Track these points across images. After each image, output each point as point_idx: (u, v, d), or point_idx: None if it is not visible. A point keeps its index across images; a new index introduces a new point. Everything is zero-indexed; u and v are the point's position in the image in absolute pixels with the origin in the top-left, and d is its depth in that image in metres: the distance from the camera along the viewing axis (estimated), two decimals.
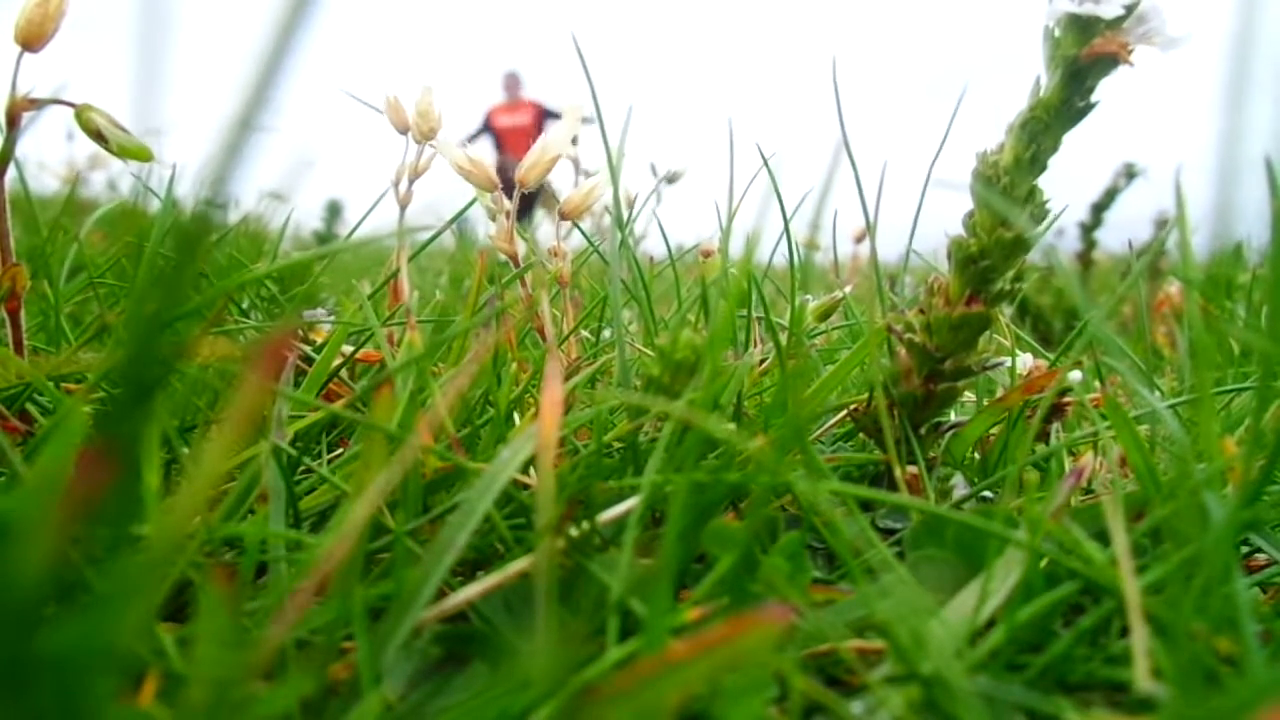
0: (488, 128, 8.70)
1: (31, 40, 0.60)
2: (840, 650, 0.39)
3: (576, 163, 1.65)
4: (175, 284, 0.22)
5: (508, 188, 0.74)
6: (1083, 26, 0.55)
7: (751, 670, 0.34)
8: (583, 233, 0.89)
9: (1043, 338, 2.46)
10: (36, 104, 0.61)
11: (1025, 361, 0.75)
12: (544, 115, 8.71)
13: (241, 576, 0.40)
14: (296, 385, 0.65)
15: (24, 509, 0.24)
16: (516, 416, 0.64)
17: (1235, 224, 0.34)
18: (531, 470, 0.49)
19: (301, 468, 0.53)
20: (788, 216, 0.79)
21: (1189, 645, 0.35)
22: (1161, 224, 2.87)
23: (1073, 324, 2.21)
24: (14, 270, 0.63)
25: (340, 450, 0.62)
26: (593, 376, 0.71)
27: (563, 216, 0.76)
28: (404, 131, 0.78)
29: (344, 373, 0.71)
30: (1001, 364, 0.67)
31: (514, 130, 8.51)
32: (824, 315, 0.91)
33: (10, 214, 0.63)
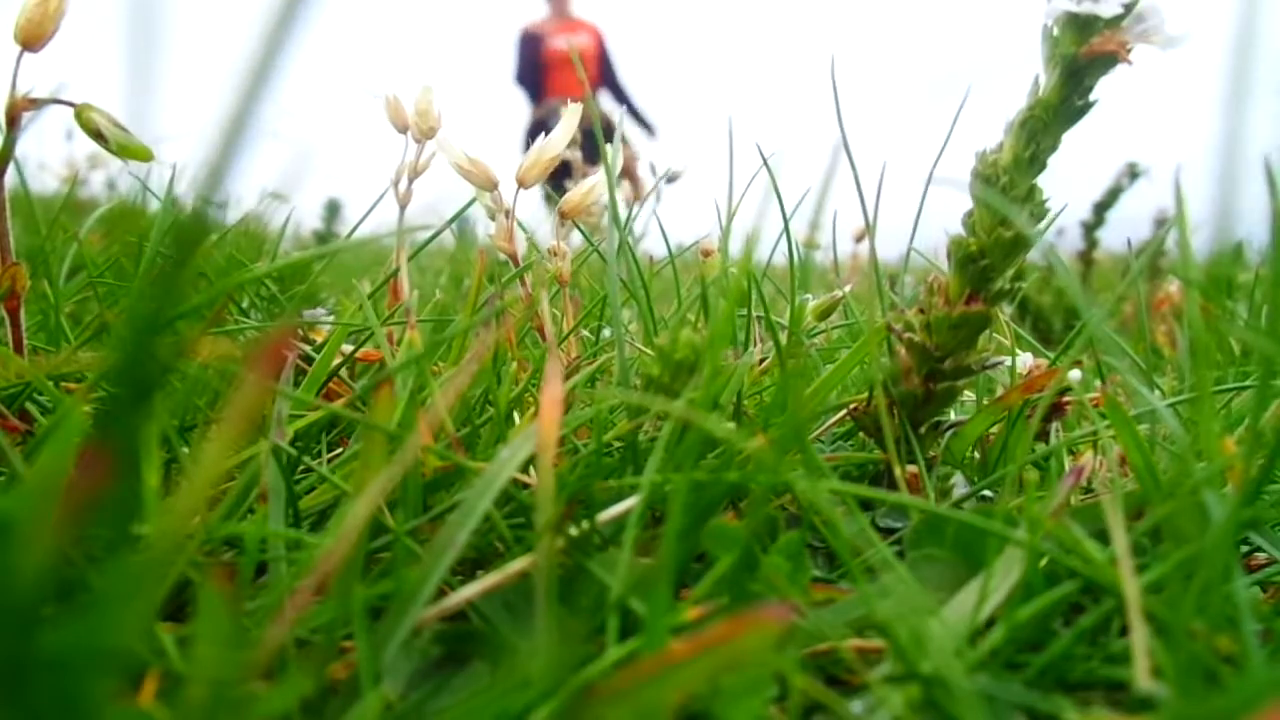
0: (533, 55, 6.23)
1: (31, 40, 0.60)
2: (840, 649, 0.39)
3: (575, 164, 1.65)
4: (173, 283, 0.22)
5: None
6: (1081, 25, 0.55)
7: (751, 669, 0.34)
8: (582, 232, 0.89)
9: (1043, 337, 2.46)
10: (36, 104, 0.61)
11: (1025, 361, 0.75)
12: (604, 46, 6.47)
13: (241, 576, 0.40)
14: (296, 385, 0.65)
15: (24, 509, 0.24)
16: (516, 416, 0.64)
17: (1236, 224, 0.34)
18: (531, 469, 0.49)
19: (301, 467, 0.53)
20: (787, 216, 0.79)
21: (1189, 644, 0.35)
22: (1161, 223, 2.87)
23: (1073, 323, 2.21)
24: (14, 270, 0.63)
25: (340, 450, 0.62)
26: (592, 376, 0.71)
27: (562, 216, 0.76)
28: (404, 130, 0.78)
29: (344, 372, 0.71)
30: (1001, 363, 0.67)
31: (569, 56, 6.06)
32: (824, 314, 0.91)
33: (10, 214, 0.63)
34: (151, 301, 0.22)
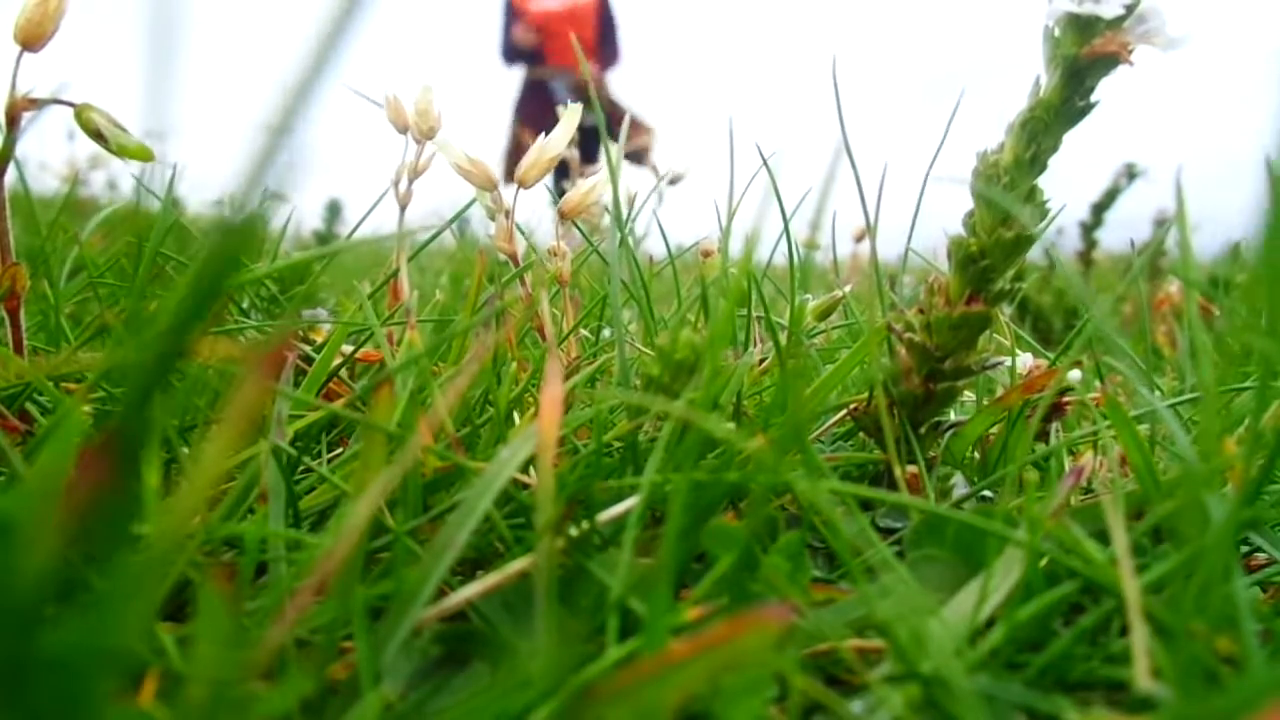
0: (517, 19, 5.53)
1: (31, 40, 0.60)
2: (840, 649, 0.39)
3: (574, 163, 1.65)
4: (209, 292, 0.22)
5: (545, 113, 0.71)
6: (1083, 26, 0.55)
7: (751, 670, 0.34)
8: (582, 232, 0.89)
9: (1043, 337, 2.46)
10: (36, 104, 0.61)
11: (1025, 361, 0.75)
12: (606, 9, 5.77)
13: (241, 576, 0.40)
14: (296, 385, 0.65)
15: (24, 509, 0.24)
16: (516, 416, 0.64)
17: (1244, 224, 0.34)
18: (531, 470, 0.49)
19: (301, 467, 0.53)
20: (787, 216, 0.79)
21: (1189, 644, 0.35)
22: (1161, 223, 2.87)
23: (1072, 323, 2.21)
24: (14, 270, 0.63)
25: (340, 450, 0.62)
26: (592, 376, 0.71)
27: (562, 216, 0.76)
28: (404, 131, 0.78)
29: (344, 372, 0.71)
30: (1001, 363, 0.67)
31: (563, 18, 5.40)
32: (824, 314, 0.91)
33: (10, 214, 0.63)
34: (185, 309, 0.22)
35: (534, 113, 5.29)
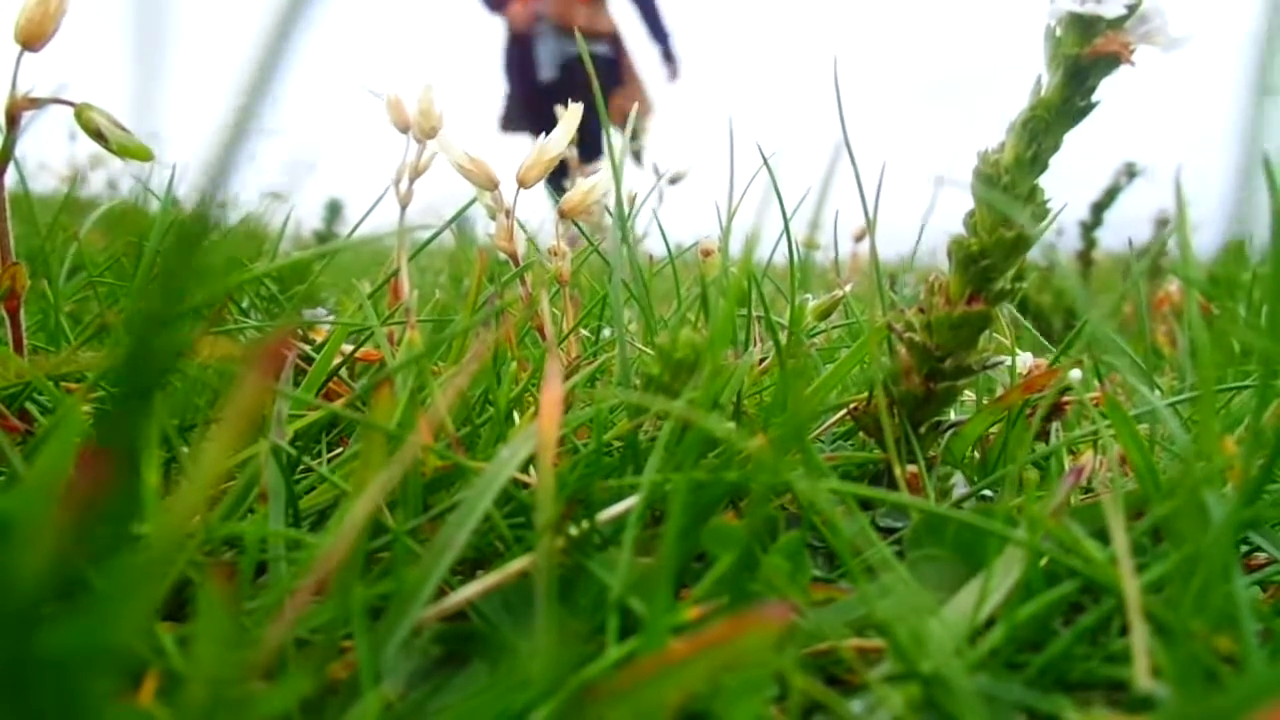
0: None
1: (32, 39, 0.60)
2: (840, 649, 0.39)
3: (573, 162, 1.65)
4: (176, 283, 0.22)
5: (529, 70, 0.68)
6: (1084, 26, 0.55)
7: (751, 670, 0.34)
8: (582, 232, 0.89)
9: (1043, 336, 2.45)
10: (36, 103, 0.61)
11: (1025, 360, 0.75)
12: None
13: (241, 576, 0.40)
14: (296, 384, 0.65)
15: (24, 509, 0.24)
16: (516, 415, 0.64)
17: (1250, 223, 0.34)
18: (531, 469, 0.49)
19: (301, 467, 0.53)
20: (788, 215, 0.79)
21: (1188, 644, 0.35)
22: (1163, 223, 2.87)
23: (1072, 323, 2.21)
24: (14, 269, 0.63)
25: (340, 449, 0.62)
26: (592, 375, 0.71)
27: (563, 215, 0.76)
28: (405, 130, 0.78)
29: (344, 372, 0.71)
30: (1001, 363, 0.67)
31: None
32: (824, 314, 0.91)
33: (10, 214, 0.63)
34: (154, 301, 0.22)
35: (518, 69, 4.69)
